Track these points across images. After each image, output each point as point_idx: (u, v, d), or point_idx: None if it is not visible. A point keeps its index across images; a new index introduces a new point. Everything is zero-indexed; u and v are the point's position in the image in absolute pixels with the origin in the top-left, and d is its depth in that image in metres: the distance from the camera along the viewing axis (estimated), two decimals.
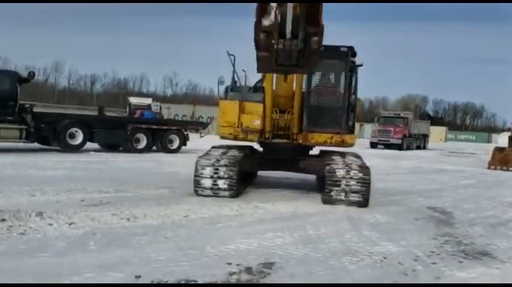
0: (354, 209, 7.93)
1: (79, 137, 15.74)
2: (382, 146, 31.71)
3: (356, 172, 8.13)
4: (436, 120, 71.80)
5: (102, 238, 5.22)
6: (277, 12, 5.34)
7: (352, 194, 8.03)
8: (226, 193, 8.23)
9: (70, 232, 5.40)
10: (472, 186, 12.78)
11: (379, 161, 18.63)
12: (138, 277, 4.02)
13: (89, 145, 16.57)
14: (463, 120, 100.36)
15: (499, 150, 19.49)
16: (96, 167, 12.23)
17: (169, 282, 3.94)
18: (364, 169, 8.22)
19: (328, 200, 8.14)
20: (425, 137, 36.70)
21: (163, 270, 4.24)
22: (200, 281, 3.99)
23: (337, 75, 9.29)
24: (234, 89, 9.56)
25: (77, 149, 15.66)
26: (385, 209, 8.06)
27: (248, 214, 7.00)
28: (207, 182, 8.25)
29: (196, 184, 8.28)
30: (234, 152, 8.93)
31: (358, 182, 8.04)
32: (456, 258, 5.27)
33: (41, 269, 4.07)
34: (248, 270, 4.38)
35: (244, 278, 4.17)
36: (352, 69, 9.01)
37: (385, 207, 8.31)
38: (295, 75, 8.91)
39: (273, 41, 5.53)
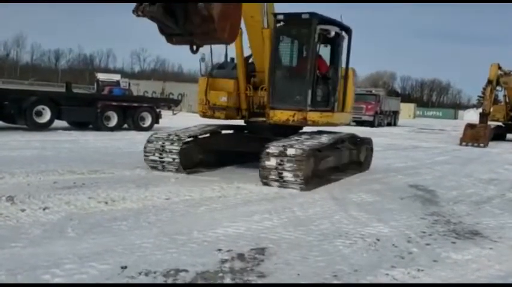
0: (337, 188, 7.80)
1: (46, 115, 15.00)
2: (354, 123, 31.79)
3: (288, 159, 7.20)
4: (403, 97, 72.80)
5: (80, 224, 4.87)
6: None
7: (285, 183, 7.34)
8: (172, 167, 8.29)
9: (45, 218, 5.02)
10: (448, 163, 12.85)
11: None
12: (123, 267, 3.72)
13: (58, 123, 15.91)
14: (430, 97, 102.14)
15: (470, 126, 19.77)
16: (67, 146, 11.71)
17: (157, 272, 3.66)
18: (300, 154, 7.20)
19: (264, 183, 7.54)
20: (395, 113, 37.03)
21: (150, 259, 3.95)
22: (191, 271, 3.72)
23: (301, 46, 8.66)
24: (221, 66, 9.15)
25: (45, 127, 14.96)
26: (369, 188, 7.94)
27: (231, 195, 6.74)
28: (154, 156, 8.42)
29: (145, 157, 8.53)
30: (197, 129, 9.01)
31: (290, 172, 7.22)
32: (449, 238, 5.17)
33: (15, 262, 3.71)
34: (240, 257, 4.14)
35: (238, 266, 3.93)
36: (321, 37, 8.28)
37: (368, 186, 8.21)
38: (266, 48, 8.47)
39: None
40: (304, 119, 8.20)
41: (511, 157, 15.63)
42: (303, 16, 8.11)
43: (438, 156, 14.64)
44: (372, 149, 10.58)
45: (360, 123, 31.41)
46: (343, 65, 9.15)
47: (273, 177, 7.34)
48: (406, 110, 53.67)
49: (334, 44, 8.76)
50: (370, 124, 30.87)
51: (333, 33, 8.30)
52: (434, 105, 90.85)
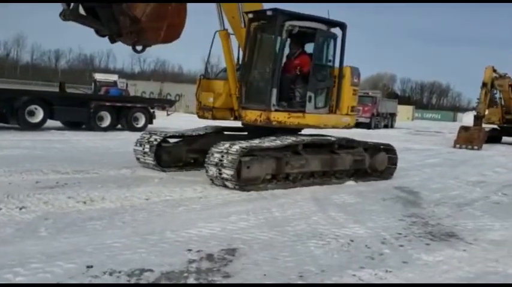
0: (320, 189, 7.81)
1: (39, 115, 14.98)
2: None
3: (229, 156, 7.09)
4: (403, 99, 72.68)
5: (54, 224, 4.89)
6: None
7: (223, 180, 7.23)
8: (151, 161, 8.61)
9: (20, 217, 5.03)
10: (438, 165, 12.85)
11: None
12: (89, 267, 3.73)
13: (52, 123, 15.92)
14: (429, 99, 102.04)
15: (464, 129, 19.75)
16: (57, 146, 11.71)
17: (122, 272, 3.67)
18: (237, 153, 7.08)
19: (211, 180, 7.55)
20: (392, 115, 36.97)
21: (118, 258, 3.96)
22: (156, 271, 3.73)
23: (269, 43, 8.42)
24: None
25: (37, 127, 14.95)
26: (352, 190, 7.95)
27: (213, 196, 6.75)
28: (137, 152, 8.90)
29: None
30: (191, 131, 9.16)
31: (227, 169, 7.07)
32: (423, 240, 5.18)
33: None
34: (209, 257, 4.15)
35: (205, 266, 3.94)
36: (287, 34, 8.03)
37: (352, 187, 8.22)
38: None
39: None
40: (268, 119, 7.92)
41: (503, 159, 15.62)
42: (267, 13, 8.00)
43: (430, 158, 14.62)
44: (393, 159, 9.75)
45: (356, 124, 31.33)
46: (337, 64, 8.79)
47: (215, 175, 7.25)
48: (405, 112, 53.58)
49: (314, 40, 8.38)
50: (367, 126, 30.80)
51: (296, 29, 8.03)
52: (434, 108, 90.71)
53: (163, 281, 3.58)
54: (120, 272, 3.68)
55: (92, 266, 3.74)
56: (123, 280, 3.56)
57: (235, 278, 3.74)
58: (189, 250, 4.31)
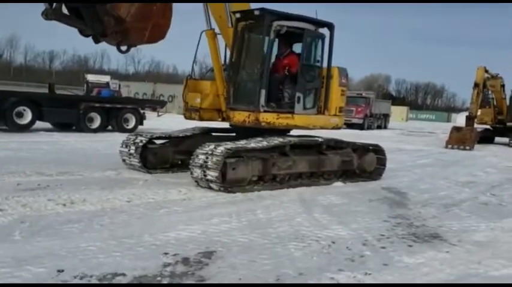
0: (307, 190, 7.73)
1: (27, 116, 14.83)
2: (344, 126, 31.64)
3: (214, 158, 6.99)
4: (397, 100, 72.77)
5: (30, 227, 4.79)
6: None
7: (208, 182, 7.16)
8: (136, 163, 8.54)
9: None
10: (429, 165, 12.81)
11: None
12: (60, 271, 3.64)
13: (42, 124, 15.77)
14: (424, 100, 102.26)
15: (456, 129, 19.75)
16: (44, 147, 11.58)
17: (93, 276, 3.59)
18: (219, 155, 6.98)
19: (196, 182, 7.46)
20: (386, 116, 36.90)
21: (91, 262, 3.87)
22: (128, 275, 3.65)
23: (257, 43, 8.31)
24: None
25: (26, 128, 14.81)
26: (340, 191, 7.88)
27: (196, 198, 6.66)
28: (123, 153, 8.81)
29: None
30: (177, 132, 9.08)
31: (213, 169, 6.96)
32: (406, 242, 5.12)
33: None
34: (185, 261, 4.07)
35: (179, 270, 3.85)
36: (275, 34, 7.96)
37: (340, 188, 8.15)
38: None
39: None
40: (257, 120, 7.82)
41: (494, 159, 15.60)
42: (255, 12, 7.94)
43: (421, 159, 14.58)
44: (382, 160, 9.67)
45: (350, 125, 31.35)
46: (326, 64, 8.72)
47: (200, 177, 7.16)
48: (399, 113, 53.62)
49: (302, 41, 8.30)
50: (360, 127, 30.78)
51: (284, 29, 7.95)
52: (428, 108, 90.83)
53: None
54: (91, 276, 3.59)
55: (63, 270, 3.65)
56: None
57: (209, 282, 3.66)
58: (166, 253, 4.22)
